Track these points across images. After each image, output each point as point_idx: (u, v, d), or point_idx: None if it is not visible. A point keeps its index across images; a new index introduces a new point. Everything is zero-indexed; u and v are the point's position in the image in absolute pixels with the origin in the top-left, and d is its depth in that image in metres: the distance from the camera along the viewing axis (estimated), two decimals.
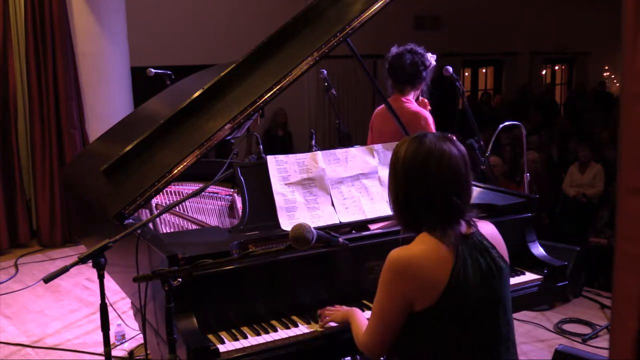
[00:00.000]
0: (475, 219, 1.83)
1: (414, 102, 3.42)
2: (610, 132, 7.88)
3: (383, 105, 3.37)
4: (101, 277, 2.11)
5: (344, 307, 2.12)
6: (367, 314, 2.02)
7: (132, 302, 2.97)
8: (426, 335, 1.74)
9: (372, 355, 1.85)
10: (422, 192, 1.75)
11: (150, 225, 2.51)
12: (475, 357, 1.75)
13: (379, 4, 2.67)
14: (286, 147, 8.73)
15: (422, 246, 1.74)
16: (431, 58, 3.40)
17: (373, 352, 1.83)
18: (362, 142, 3.70)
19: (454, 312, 1.71)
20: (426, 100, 3.50)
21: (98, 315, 2.92)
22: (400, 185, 1.78)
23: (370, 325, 1.83)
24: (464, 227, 1.78)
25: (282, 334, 2.08)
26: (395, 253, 1.74)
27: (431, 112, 3.46)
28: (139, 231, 2.22)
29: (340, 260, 2.26)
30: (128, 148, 2.66)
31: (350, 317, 2.01)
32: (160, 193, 2.61)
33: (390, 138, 3.19)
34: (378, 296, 1.78)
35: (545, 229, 5.95)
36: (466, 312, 1.72)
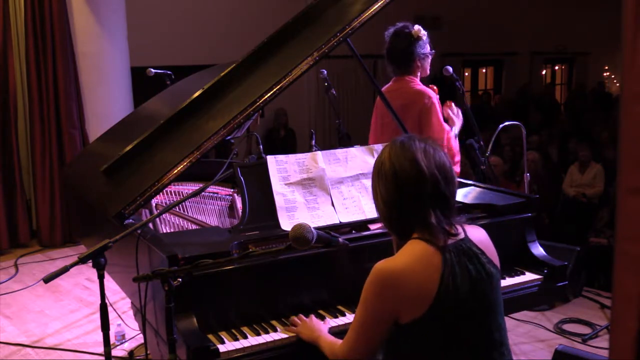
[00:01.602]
0: (464, 225, 1.80)
1: (417, 81, 3.41)
2: (610, 132, 7.87)
3: (387, 86, 3.41)
4: (101, 277, 2.11)
5: (313, 323, 2.06)
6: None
7: (132, 302, 2.97)
8: (418, 345, 1.71)
9: None
10: (411, 186, 1.71)
11: (150, 225, 2.51)
12: None
13: (379, 4, 2.67)
14: (289, 146, 8.71)
15: (408, 257, 1.70)
16: (417, 31, 3.34)
17: None
18: (362, 142, 3.70)
19: (445, 321, 1.68)
20: (435, 88, 3.50)
21: (98, 315, 2.92)
22: (390, 186, 1.74)
23: (349, 337, 1.78)
24: (453, 231, 1.76)
25: (282, 334, 2.08)
26: (380, 265, 1.70)
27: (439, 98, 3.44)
28: (139, 231, 2.22)
29: (340, 260, 2.26)
30: (128, 148, 2.66)
31: (318, 339, 1.97)
32: (160, 193, 2.61)
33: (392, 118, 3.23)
34: (360, 309, 1.74)
35: (545, 229, 5.94)
36: (457, 319, 1.70)
